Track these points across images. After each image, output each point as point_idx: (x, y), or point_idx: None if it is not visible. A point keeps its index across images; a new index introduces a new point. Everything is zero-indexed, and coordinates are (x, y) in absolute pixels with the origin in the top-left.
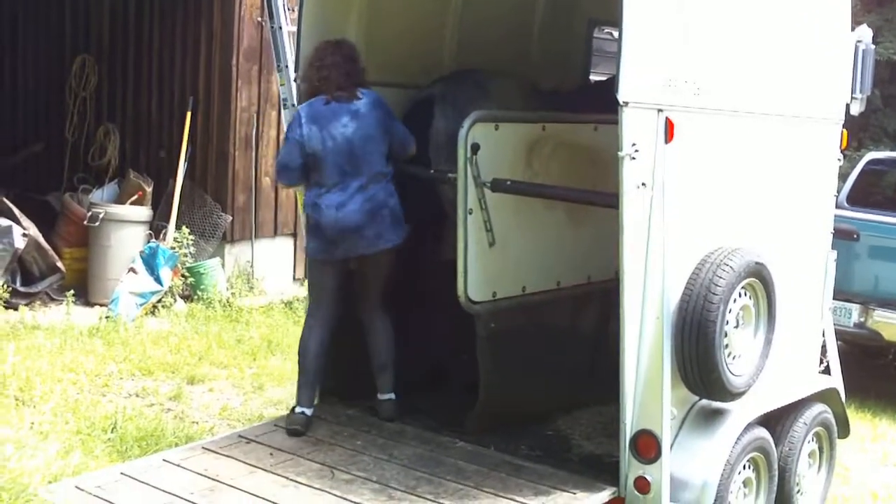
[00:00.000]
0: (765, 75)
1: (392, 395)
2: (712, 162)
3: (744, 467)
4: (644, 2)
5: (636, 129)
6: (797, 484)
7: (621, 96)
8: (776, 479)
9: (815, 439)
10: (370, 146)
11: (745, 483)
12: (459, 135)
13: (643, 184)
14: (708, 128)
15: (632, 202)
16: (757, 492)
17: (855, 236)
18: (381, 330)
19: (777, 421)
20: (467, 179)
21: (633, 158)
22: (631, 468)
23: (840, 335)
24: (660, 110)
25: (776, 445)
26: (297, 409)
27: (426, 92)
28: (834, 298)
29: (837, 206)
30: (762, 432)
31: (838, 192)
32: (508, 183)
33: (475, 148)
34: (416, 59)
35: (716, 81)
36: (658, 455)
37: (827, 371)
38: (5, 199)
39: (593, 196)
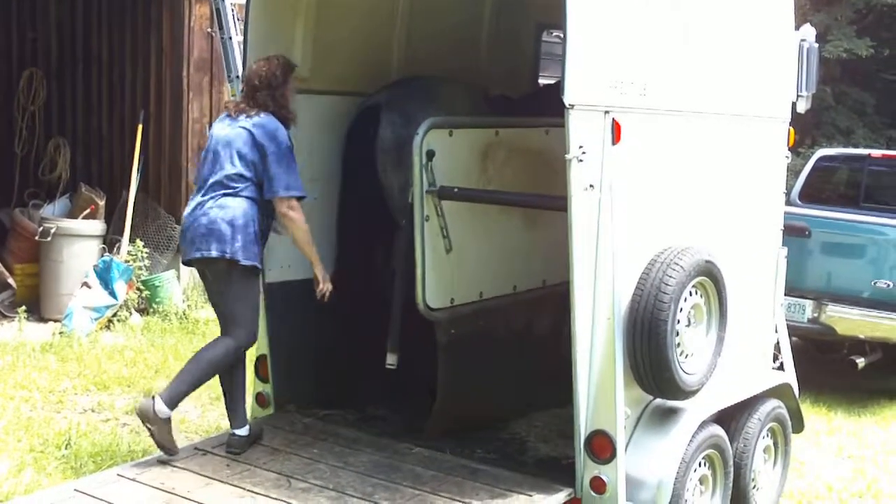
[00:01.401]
0: (710, 75)
1: (245, 430)
2: (660, 162)
3: (699, 465)
4: (588, 4)
5: (583, 131)
6: (753, 480)
7: (567, 99)
8: (732, 475)
9: (769, 435)
10: (227, 150)
11: (702, 480)
12: (414, 142)
13: (591, 185)
14: (655, 128)
15: (580, 204)
16: (713, 489)
17: (807, 233)
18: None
19: (731, 418)
20: (423, 187)
21: (581, 160)
22: (586, 469)
23: (794, 331)
24: (606, 112)
25: (731, 442)
26: (231, 432)
27: (372, 99)
28: (787, 294)
29: (789, 203)
30: (717, 429)
31: (790, 189)
32: (456, 190)
33: (430, 154)
34: (364, 68)
35: (662, 82)
36: (613, 455)
37: (780, 367)
38: None
39: (542, 200)
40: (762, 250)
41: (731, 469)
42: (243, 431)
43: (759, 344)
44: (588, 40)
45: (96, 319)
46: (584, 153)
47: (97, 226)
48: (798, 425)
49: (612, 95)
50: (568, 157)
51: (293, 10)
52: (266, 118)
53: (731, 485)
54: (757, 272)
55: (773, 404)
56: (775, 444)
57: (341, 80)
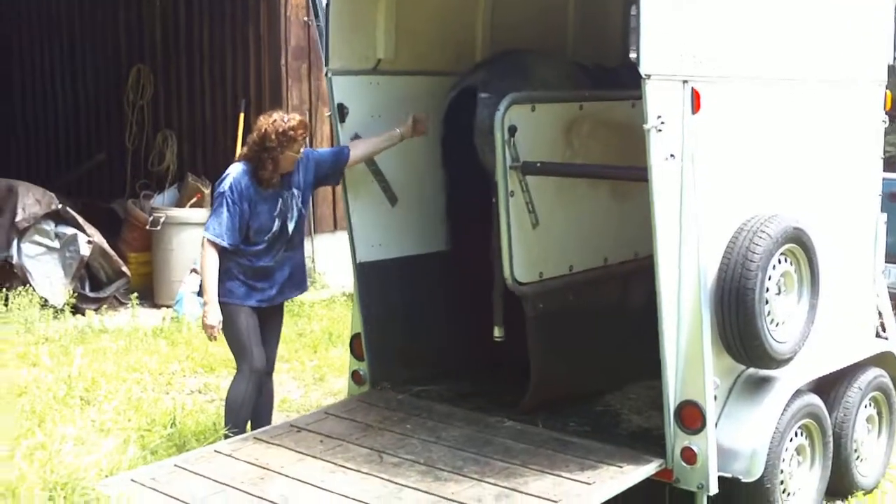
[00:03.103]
0: (797, 39)
1: None
2: (744, 130)
3: (796, 434)
4: None
5: (661, 101)
6: (856, 450)
7: (643, 69)
8: (831, 445)
9: (872, 404)
10: None
11: (799, 450)
12: (496, 118)
13: (672, 155)
14: (737, 96)
15: (661, 174)
16: (812, 459)
17: None
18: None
19: (830, 387)
20: (506, 162)
21: (660, 130)
22: (677, 439)
23: None
24: (685, 81)
25: (830, 412)
26: None
27: (468, 80)
28: (890, 262)
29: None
30: (813, 399)
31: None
32: (538, 164)
33: (512, 130)
34: (449, 47)
35: (743, 48)
36: (703, 425)
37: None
38: (69, 209)
39: (623, 171)
40: (859, 217)
41: (831, 439)
42: None
43: (859, 312)
44: (664, 9)
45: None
46: (662, 123)
47: (203, 213)
48: None
49: (691, 64)
50: (646, 127)
51: None
52: (235, 166)
53: (830, 455)
54: (854, 239)
55: (874, 373)
56: (879, 413)
57: (426, 60)
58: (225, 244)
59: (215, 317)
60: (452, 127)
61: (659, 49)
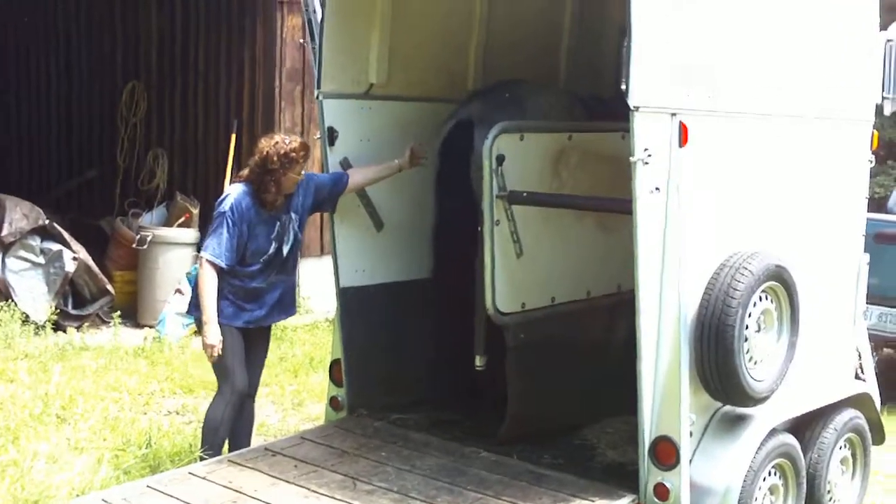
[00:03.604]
0: (786, 76)
1: None
2: (730, 165)
3: (769, 473)
4: (654, 4)
5: (649, 133)
6: (829, 491)
7: (632, 101)
8: (804, 486)
9: (847, 445)
10: None
11: (772, 490)
12: (484, 146)
13: (657, 188)
14: (725, 131)
15: (646, 207)
16: (785, 499)
17: None
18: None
19: (806, 427)
20: (493, 191)
21: (646, 163)
22: (650, 475)
23: (890, 341)
24: (673, 114)
25: (805, 452)
26: None
27: (464, 112)
28: (883, 304)
29: (887, 212)
30: (788, 438)
31: (888, 197)
32: (525, 194)
33: (500, 159)
34: (442, 73)
35: (733, 83)
36: (677, 462)
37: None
38: (56, 224)
39: (609, 203)
40: (842, 257)
41: (804, 479)
42: None
43: (838, 352)
44: (654, 41)
45: (187, 325)
46: (649, 156)
47: (191, 234)
48: (879, 436)
49: (680, 97)
50: (633, 159)
51: (368, 18)
52: (236, 187)
53: (803, 496)
54: (837, 279)
55: (850, 414)
56: (853, 455)
57: (418, 85)
58: (223, 265)
59: (216, 336)
60: (448, 158)
61: (648, 81)
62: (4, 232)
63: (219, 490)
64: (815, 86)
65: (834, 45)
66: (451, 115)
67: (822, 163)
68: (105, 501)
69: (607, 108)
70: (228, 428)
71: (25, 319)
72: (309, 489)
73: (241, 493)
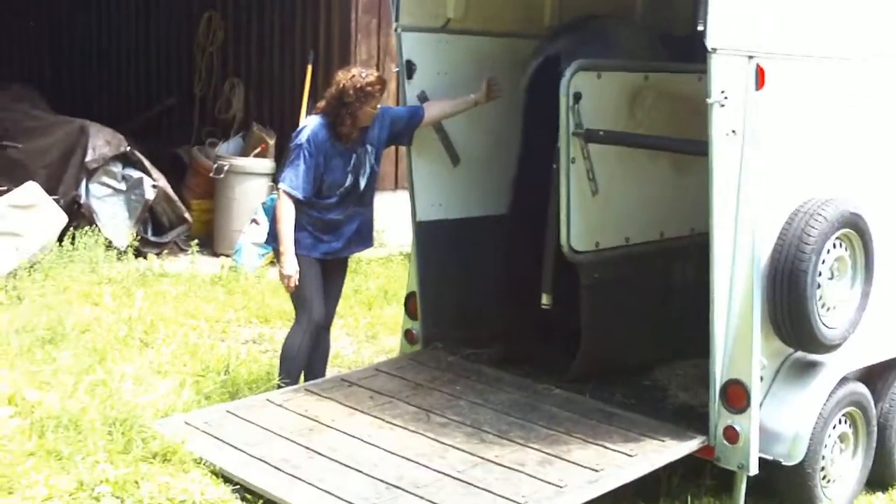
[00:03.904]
0: (869, 16)
1: None
2: (807, 109)
3: (839, 422)
4: None
5: (725, 75)
6: None
7: (709, 42)
8: (875, 435)
9: None
10: None
11: (842, 438)
12: (561, 83)
13: (733, 131)
14: (803, 74)
15: (721, 150)
16: (855, 447)
17: None
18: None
19: (878, 376)
20: (569, 128)
21: (723, 105)
22: (720, 418)
23: None
24: (750, 57)
25: (876, 402)
26: None
27: (551, 48)
28: None
29: None
30: (859, 387)
31: None
32: (601, 133)
33: (577, 97)
34: (518, 8)
35: (812, 26)
36: (748, 405)
37: None
38: (137, 152)
39: (685, 144)
40: None
41: (875, 429)
42: None
43: None
44: None
45: (263, 255)
46: (726, 98)
47: (267, 164)
48: None
49: (757, 40)
50: (709, 101)
51: None
52: (313, 119)
53: (874, 445)
54: None
55: None
56: None
57: (494, 20)
58: (300, 196)
59: (292, 266)
60: (535, 94)
61: (725, 23)
62: (88, 158)
63: (295, 418)
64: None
65: None
66: (536, 51)
67: None
68: (188, 424)
69: (680, 47)
70: (305, 357)
71: (108, 245)
72: (383, 420)
73: (317, 421)
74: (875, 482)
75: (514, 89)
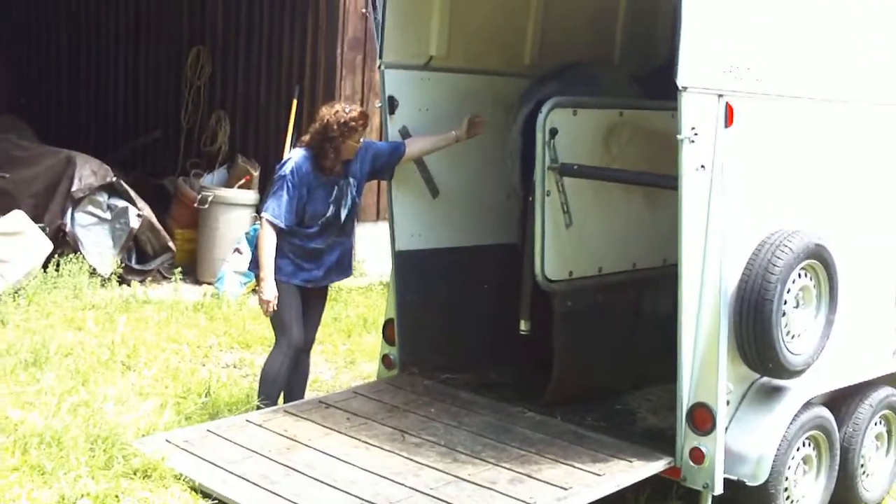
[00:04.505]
0: (837, 60)
1: None
2: (775, 146)
3: (803, 444)
4: None
5: (695, 113)
6: (862, 465)
7: (680, 81)
8: (838, 458)
9: (882, 422)
10: None
11: (805, 460)
12: (538, 119)
13: (702, 166)
14: (771, 113)
15: (691, 184)
16: (818, 470)
17: None
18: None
19: (842, 402)
20: (545, 162)
21: (692, 142)
22: (687, 439)
23: None
24: (720, 95)
25: (840, 426)
26: None
27: (541, 93)
28: None
29: None
30: (823, 411)
31: None
32: (576, 167)
33: (553, 132)
34: (500, 47)
35: (781, 66)
36: (713, 427)
37: None
38: (122, 182)
39: (657, 179)
40: (885, 238)
41: (838, 452)
42: None
43: (877, 331)
44: (703, 22)
45: (245, 284)
46: (696, 134)
47: (251, 195)
48: None
49: (727, 79)
50: (679, 137)
51: None
52: (297, 151)
53: (837, 468)
54: (879, 260)
55: (887, 391)
56: (889, 431)
57: (477, 58)
58: (282, 225)
59: (271, 292)
60: (531, 137)
61: (696, 62)
62: (75, 187)
63: (274, 437)
64: (867, 70)
65: (888, 29)
66: (524, 97)
67: (869, 145)
68: (169, 442)
69: (655, 86)
70: (285, 380)
71: (93, 272)
72: (360, 440)
73: (295, 440)
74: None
75: (493, 126)
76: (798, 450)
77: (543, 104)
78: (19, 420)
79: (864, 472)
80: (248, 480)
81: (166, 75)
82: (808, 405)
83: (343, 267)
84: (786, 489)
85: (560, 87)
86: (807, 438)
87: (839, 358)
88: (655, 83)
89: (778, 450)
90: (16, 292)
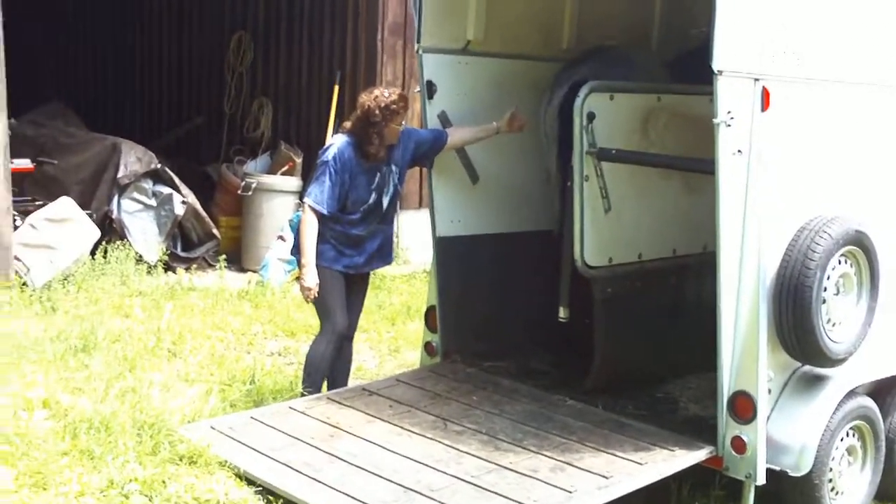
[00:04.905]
0: (876, 43)
1: None
2: (813, 130)
3: (847, 434)
4: None
5: (731, 97)
6: None
7: (716, 65)
8: (883, 449)
9: None
10: None
11: (850, 451)
12: (575, 104)
13: (739, 151)
14: (809, 97)
15: (728, 169)
16: (863, 461)
17: None
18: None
19: (886, 391)
20: (583, 147)
21: (729, 126)
22: (728, 428)
23: None
24: (756, 79)
25: (884, 416)
26: None
27: (577, 75)
28: None
29: None
30: (867, 401)
31: None
32: (614, 151)
33: (591, 117)
34: (537, 32)
35: (819, 50)
36: (754, 416)
37: None
38: (168, 169)
39: (694, 163)
40: None
41: (883, 443)
42: None
43: None
44: (738, 5)
45: (289, 271)
46: (732, 118)
47: (294, 182)
48: None
49: (763, 63)
50: (716, 121)
51: None
52: (339, 138)
53: (882, 459)
54: None
55: None
56: None
57: (514, 43)
58: (324, 211)
59: (313, 279)
60: (567, 121)
61: (732, 46)
62: (120, 174)
63: (317, 424)
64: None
65: None
66: (558, 79)
67: None
68: (213, 428)
69: (678, 72)
70: (328, 367)
71: (139, 259)
72: (402, 427)
73: (337, 428)
74: (884, 495)
75: (533, 111)
76: (842, 440)
77: (579, 88)
78: (69, 405)
79: None
80: (291, 468)
81: (209, 62)
82: (851, 394)
83: (384, 254)
84: (830, 480)
85: (595, 68)
86: (851, 428)
87: (883, 347)
88: (680, 67)
89: (821, 440)
90: (65, 279)
